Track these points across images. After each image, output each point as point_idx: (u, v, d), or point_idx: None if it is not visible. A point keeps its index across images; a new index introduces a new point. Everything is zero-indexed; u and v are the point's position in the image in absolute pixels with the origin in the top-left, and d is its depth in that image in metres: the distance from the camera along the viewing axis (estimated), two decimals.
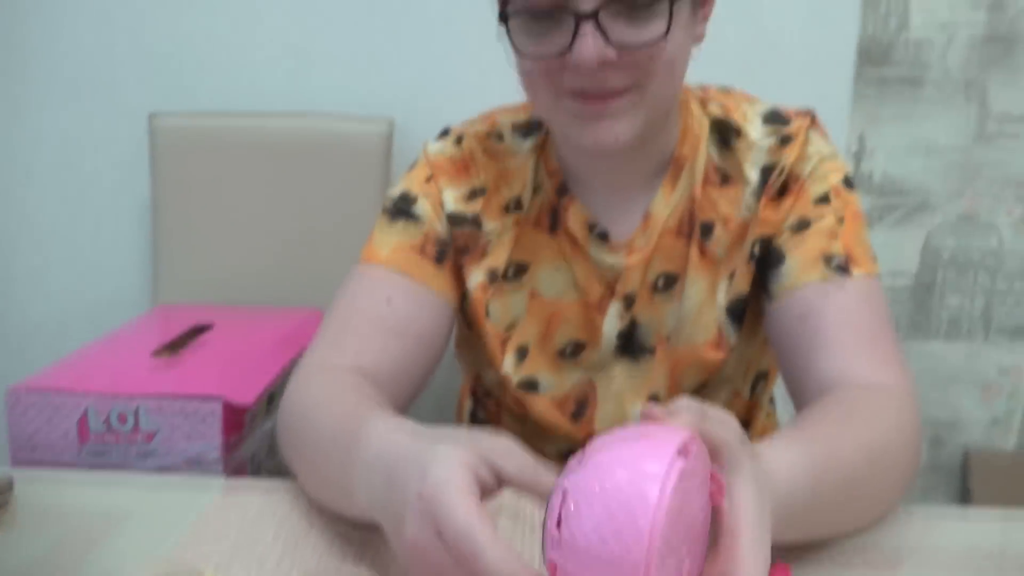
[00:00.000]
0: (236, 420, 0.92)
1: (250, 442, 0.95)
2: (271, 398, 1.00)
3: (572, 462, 0.47)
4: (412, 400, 0.85)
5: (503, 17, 0.74)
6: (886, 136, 1.56)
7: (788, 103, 0.89)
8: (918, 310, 1.64)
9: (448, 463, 0.50)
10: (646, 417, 0.49)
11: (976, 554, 0.64)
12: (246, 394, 0.93)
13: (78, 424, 0.89)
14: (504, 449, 0.53)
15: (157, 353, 1.01)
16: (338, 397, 0.71)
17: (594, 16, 0.69)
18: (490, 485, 0.52)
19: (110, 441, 0.90)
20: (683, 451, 0.45)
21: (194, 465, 0.90)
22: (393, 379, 0.80)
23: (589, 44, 0.69)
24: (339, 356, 0.79)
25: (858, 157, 1.55)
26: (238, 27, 1.39)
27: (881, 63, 1.53)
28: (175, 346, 1.04)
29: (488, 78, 1.42)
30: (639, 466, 0.44)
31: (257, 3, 1.39)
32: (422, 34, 1.40)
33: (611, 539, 0.43)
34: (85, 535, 0.65)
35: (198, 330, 1.11)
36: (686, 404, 0.50)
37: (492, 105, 1.02)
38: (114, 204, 1.44)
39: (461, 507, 0.47)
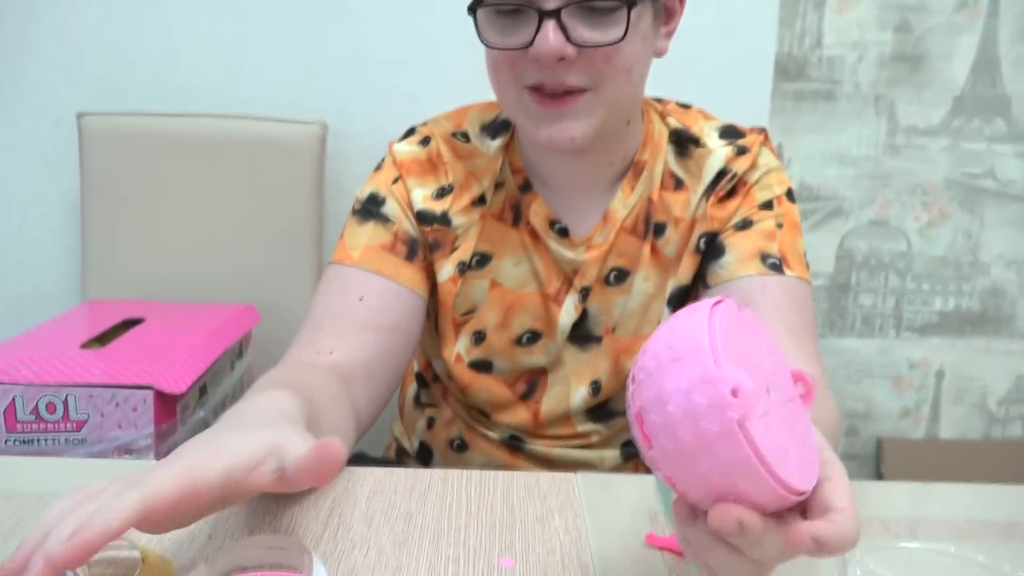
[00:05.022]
0: (168, 408, 0.92)
1: (183, 430, 0.95)
2: (203, 388, 1.00)
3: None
4: (392, 392, 0.85)
5: (472, 9, 0.78)
6: (802, 146, 1.64)
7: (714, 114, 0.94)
8: (834, 308, 1.72)
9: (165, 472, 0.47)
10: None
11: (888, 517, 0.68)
12: (178, 383, 0.93)
13: (4, 413, 0.88)
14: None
15: (86, 344, 0.99)
16: (267, 384, 0.71)
17: (556, 14, 0.73)
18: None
19: (38, 430, 0.88)
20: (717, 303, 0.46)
21: (125, 453, 0.89)
22: (368, 373, 0.81)
23: (550, 37, 0.73)
24: (314, 355, 0.80)
25: None
26: (170, 29, 1.39)
27: (797, 78, 1.61)
28: (105, 338, 1.03)
29: (419, 84, 1.45)
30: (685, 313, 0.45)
31: (189, 5, 1.38)
32: (354, 39, 1.42)
33: (679, 341, 0.43)
34: (14, 514, 0.64)
35: (129, 323, 1.10)
36: None
37: (423, 109, 1.04)
38: (41, 200, 1.42)
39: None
